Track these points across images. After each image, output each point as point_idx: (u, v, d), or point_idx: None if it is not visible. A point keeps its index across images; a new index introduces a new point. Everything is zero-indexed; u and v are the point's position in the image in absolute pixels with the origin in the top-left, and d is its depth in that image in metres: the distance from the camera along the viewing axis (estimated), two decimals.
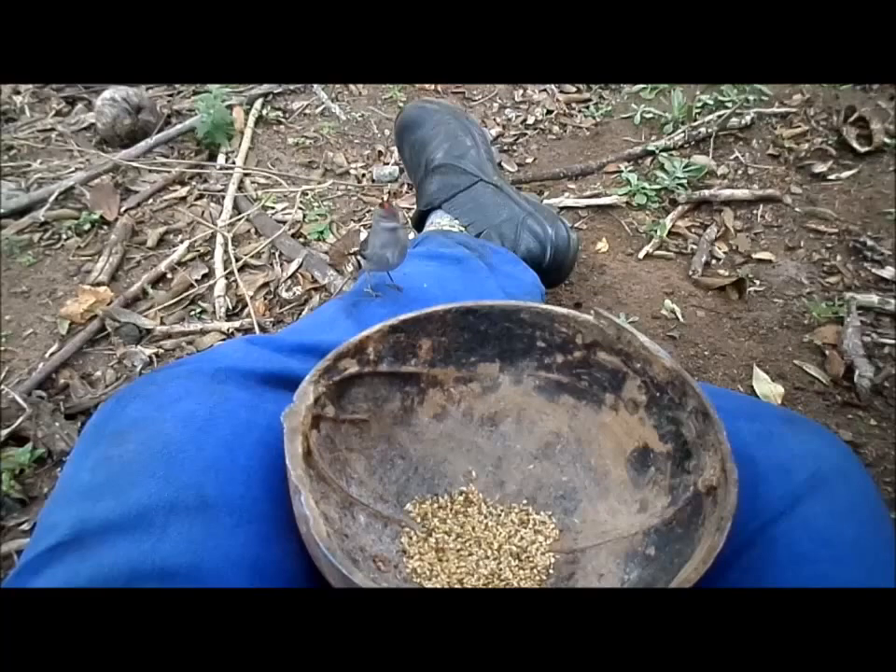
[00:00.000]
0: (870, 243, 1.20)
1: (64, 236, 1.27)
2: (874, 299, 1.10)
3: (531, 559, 0.55)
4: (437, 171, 1.02)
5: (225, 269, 1.20)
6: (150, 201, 1.35)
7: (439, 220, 0.99)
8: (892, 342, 1.05)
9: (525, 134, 1.53)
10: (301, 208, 1.32)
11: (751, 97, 1.46)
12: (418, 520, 0.58)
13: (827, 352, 1.04)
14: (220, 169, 1.41)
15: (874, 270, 1.17)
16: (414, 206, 1.30)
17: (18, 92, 1.61)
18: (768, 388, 0.99)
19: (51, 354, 1.07)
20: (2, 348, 1.08)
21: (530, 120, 1.56)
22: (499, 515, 0.59)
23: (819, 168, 1.35)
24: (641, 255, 1.21)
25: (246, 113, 1.53)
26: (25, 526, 0.86)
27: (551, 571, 0.54)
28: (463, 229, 0.96)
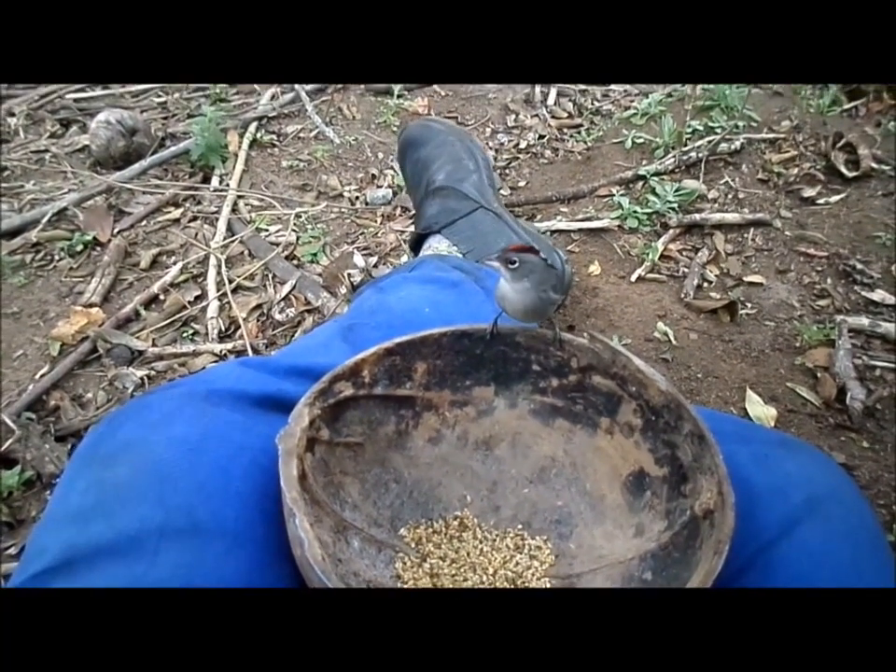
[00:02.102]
0: (859, 266, 1.21)
1: (57, 257, 1.26)
2: (864, 321, 1.11)
3: (526, 585, 0.55)
4: (437, 193, 1.02)
5: (218, 290, 1.20)
6: (144, 222, 1.35)
7: (437, 245, 0.99)
8: (883, 364, 1.06)
9: (518, 158, 1.55)
10: (294, 230, 1.32)
11: (741, 123, 1.48)
12: (412, 545, 0.57)
13: (819, 374, 1.04)
14: (214, 191, 1.41)
15: (863, 293, 1.18)
16: (407, 229, 1.31)
17: (12, 114, 1.61)
18: (761, 410, 0.99)
19: (42, 375, 1.06)
20: None
21: (522, 145, 1.58)
22: (494, 540, 0.58)
23: (808, 192, 1.37)
24: (634, 278, 1.21)
25: (241, 136, 1.54)
26: (13, 550, 0.85)
27: None
28: (461, 256, 0.96)
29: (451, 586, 0.54)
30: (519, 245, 0.57)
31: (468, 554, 0.57)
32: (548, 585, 0.54)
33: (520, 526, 0.59)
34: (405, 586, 0.53)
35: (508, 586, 0.54)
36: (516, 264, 0.55)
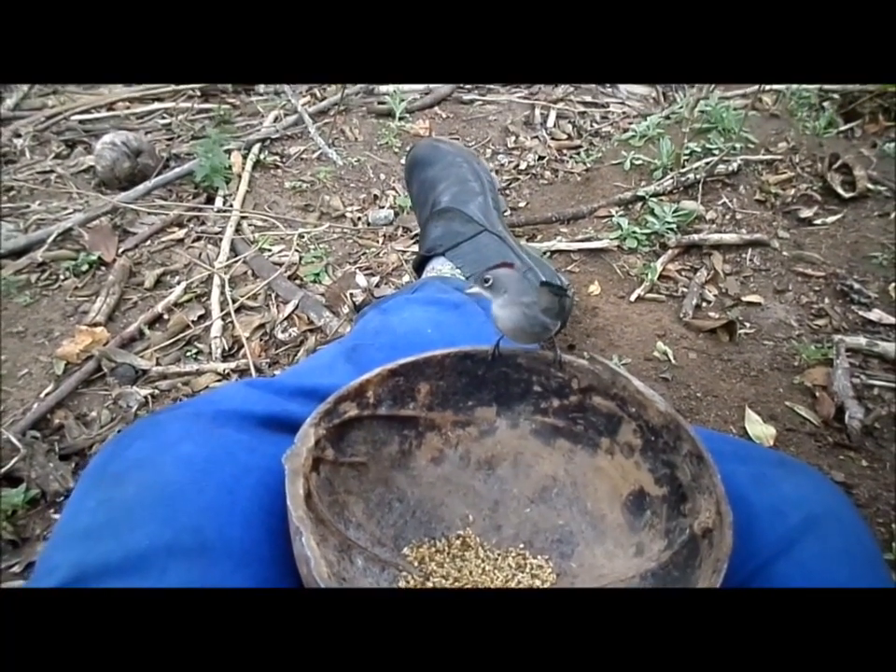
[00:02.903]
0: (856, 286, 1.22)
1: (62, 277, 1.28)
2: (861, 341, 1.12)
3: None
4: (442, 215, 1.03)
5: (221, 310, 1.21)
6: (148, 242, 1.36)
7: (440, 267, 1.00)
8: (881, 383, 1.07)
9: (518, 179, 1.57)
10: (297, 250, 1.34)
11: (738, 145, 1.50)
12: (415, 564, 0.58)
13: (817, 393, 1.05)
14: (218, 212, 1.43)
15: (861, 312, 1.19)
16: (409, 249, 1.33)
17: (18, 135, 1.63)
18: (760, 430, 1.00)
19: (46, 394, 1.07)
20: None
21: (522, 166, 1.60)
22: (496, 559, 0.59)
23: (805, 213, 1.39)
24: (633, 297, 1.22)
25: (244, 157, 1.56)
26: (17, 569, 0.85)
27: None
28: (464, 278, 0.97)
29: None
30: (493, 265, 0.59)
31: (470, 573, 0.57)
32: None
33: (522, 545, 0.60)
34: None
35: None
36: (489, 281, 0.57)
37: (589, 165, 1.57)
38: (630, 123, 1.69)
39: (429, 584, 0.56)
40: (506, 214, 1.44)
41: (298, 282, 1.28)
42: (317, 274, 1.28)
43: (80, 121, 1.70)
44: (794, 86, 1.66)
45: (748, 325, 1.18)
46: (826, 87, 1.68)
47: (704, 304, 1.23)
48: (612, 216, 1.38)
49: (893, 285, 1.23)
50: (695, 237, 1.32)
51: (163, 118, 1.74)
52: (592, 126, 1.73)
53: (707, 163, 1.45)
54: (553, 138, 1.69)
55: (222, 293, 1.24)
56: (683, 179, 1.43)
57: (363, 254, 1.35)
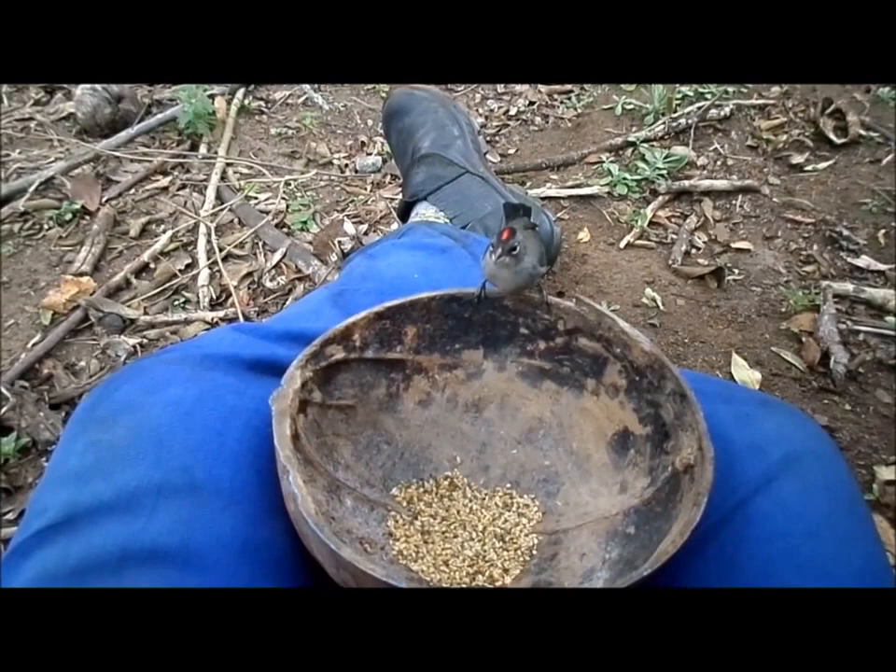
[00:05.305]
0: (845, 232, 1.22)
1: (46, 226, 1.26)
2: (849, 287, 1.12)
3: (515, 541, 0.56)
4: (423, 160, 1.02)
5: (208, 259, 1.20)
6: (132, 191, 1.34)
7: (424, 211, 1.00)
8: (867, 329, 1.08)
9: (508, 125, 1.54)
10: (284, 198, 1.32)
11: (731, 89, 1.48)
12: (404, 504, 0.58)
13: (803, 339, 1.06)
14: (202, 159, 1.41)
15: (849, 259, 1.19)
16: (397, 197, 1.31)
17: None
18: (746, 374, 1.01)
19: (34, 344, 1.06)
20: None
21: (513, 111, 1.57)
22: (484, 499, 0.60)
23: (797, 159, 1.38)
24: (622, 244, 1.22)
25: (228, 103, 1.52)
26: (10, 516, 0.86)
27: (534, 552, 0.56)
28: (448, 221, 0.96)
29: (442, 542, 0.56)
30: (508, 228, 0.56)
31: (458, 512, 0.58)
32: (535, 541, 0.56)
33: (508, 485, 0.61)
34: (397, 543, 0.55)
35: (497, 542, 0.56)
36: (517, 249, 0.55)
37: (580, 110, 1.55)
38: None
39: (418, 523, 0.57)
40: (491, 158, 1.42)
41: (285, 230, 1.27)
42: (305, 222, 1.27)
43: None
44: None
45: (736, 271, 1.18)
46: None
47: (693, 251, 1.22)
48: (603, 162, 1.37)
49: (882, 231, 1.23)
50: (686, 183, 1.31)
51: None
52: None
53: (700, 108, 1.43)
54: None
55: (209, 242, 1.23)
56: (675, 125, 1.41)
57: (351, 201, 1.33)
